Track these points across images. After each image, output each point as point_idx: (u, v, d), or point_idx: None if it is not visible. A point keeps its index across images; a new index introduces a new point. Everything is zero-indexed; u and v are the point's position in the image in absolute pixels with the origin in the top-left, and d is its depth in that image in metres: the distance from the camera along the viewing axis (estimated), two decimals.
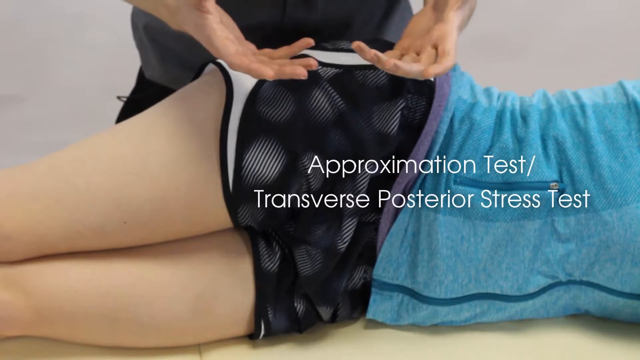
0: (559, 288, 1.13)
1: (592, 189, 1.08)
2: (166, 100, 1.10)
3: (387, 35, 1.33)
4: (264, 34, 1.23)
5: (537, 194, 1.08)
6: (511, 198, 1.08)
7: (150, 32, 1.36)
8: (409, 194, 1.10)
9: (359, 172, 1.06)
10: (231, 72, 1.08)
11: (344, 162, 1.06)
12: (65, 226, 1.03)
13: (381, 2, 1.30)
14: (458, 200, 1.08)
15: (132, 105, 1.45)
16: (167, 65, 1.36)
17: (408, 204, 1.09)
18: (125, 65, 1.71)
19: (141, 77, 1.50)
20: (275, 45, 1.24)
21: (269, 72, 0.93)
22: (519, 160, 1.09)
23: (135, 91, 1.51)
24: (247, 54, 0.98)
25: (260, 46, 1.24)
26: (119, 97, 1.49)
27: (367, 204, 1.09)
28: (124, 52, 1.77)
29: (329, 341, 1.13)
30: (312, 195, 1.06)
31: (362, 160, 1.06)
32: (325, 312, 1.11)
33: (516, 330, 1.16)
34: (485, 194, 1.08)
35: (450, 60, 0.97)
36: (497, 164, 1.09)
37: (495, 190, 1.08)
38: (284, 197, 1.06)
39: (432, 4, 1.08)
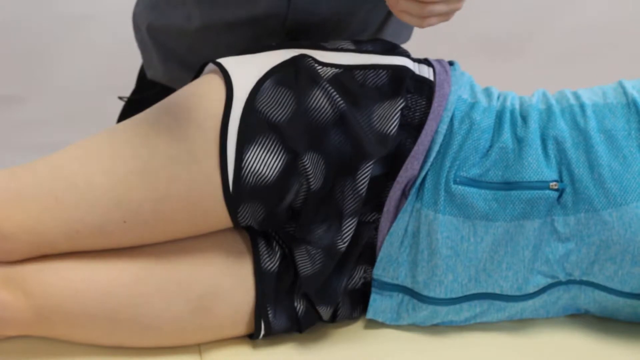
0: (558, 288, 1.13)
1: (591, 188, 1.08)
2: (166, 100, 1.10)
3: (386, 34, 1.33)
4: (269, 27, 1.23)
5: (537, 193, 1.08)
6: (511, 198, 1.08)
7: (152, 33, 1.36)
8: (409, 193, 1.10)
9: (359, 171, 1.06)
10: (231, 71, 1.08)
11: (344, 161, 1.06)
12: (65, 226, 1.03)
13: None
14: (458, 200, 1.08)
15: (133, 106, 1.45)
16: (169, 65, 1.37)
17: (408, 204, 1.10)
18: (125, 65, 1.72)
19: (141, 78, 1.50)
20: (280, 38, 1.24)
21: None
22: (518, 160, 1.09)
23: (135, 92, 1.51)
24: None
25: (264, 40, 1.25)
26: (120, 98, 1.49)
27: (367, 203, 1.09)
28: (124, 52, 1.78)
29: (329, 341, 1.13)
30: (312, 194, 1.06)
31: (362, 160, 1.06)
32: (325, 312, 1.11)
33: (516, 330, 1.16)
34: (485, 194, 1.08)
35: None
36: (496, 164, 1.09)
37: (495, 190, 1.08)
38: (284, 196, 1.06)
39: None
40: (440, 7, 1.03)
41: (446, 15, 1.05)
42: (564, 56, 2.42)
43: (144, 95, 1.45)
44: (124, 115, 1.49)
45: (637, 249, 1.07)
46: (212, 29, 1.28)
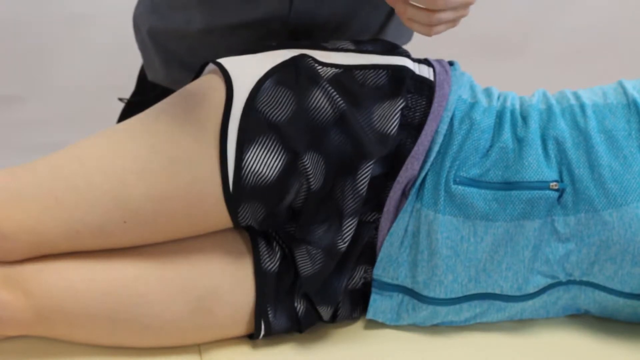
0: (558, 288, 1.13)
1: (592, 188, 1.08)
2: (166, 100, 1.10)
3: (387, 35, 1.33)
4: (270, 29, 1.23)
5: (537, 193, 1.08)
6: (511, 198, 1.08)
7: (153, 35, 1.36)
8: (409, 193, 1.10)
9: (359, 171, 1.06)
10: (231, 71, 1.08)
11: (344, 161, 1.06)
12: (65, 226, 1.03)
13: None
14: (458, 200, 1.08)
15: (133, 107, 1.45)
16: (170, 67, 1.37)
17: (408, 204, 1.09)
18: (125, 66, 1.71)
19: (141, 79, 1.50)
20: (281, 40, 1.24)
21: None
22: (518, 160, 1.09)
23: (135, 93, 1.51)
24: None
25: (266, 41, 1.25)
26: (120, 99, 1.49)
27: (367, 203, 1.09)
28: (124, 52, 1.77)
29: (329, 341, 1.13)
30: (312, 194, 1.06)
31: (363, 160, 1.06)
32: (325, 312, 1.11)
33: (516, 330, 1.16)
34: (485, 194, 1.08)
35: None
36: (496, 164, 1.09)
37: (495, 190, 1.08)
38: (284, 196, 1.06)
39: None
40: (447, 15, 1.03)
41: (453, 22, 1.05)
42: (564, 56, 2.42)
43: (145, 97, 1.45)
44: (124, 116, 1.49)
45: (637, 249, 1.07)
46: (214, 31, 1.28)
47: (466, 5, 1.03)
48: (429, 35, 1.05)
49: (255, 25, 1.24)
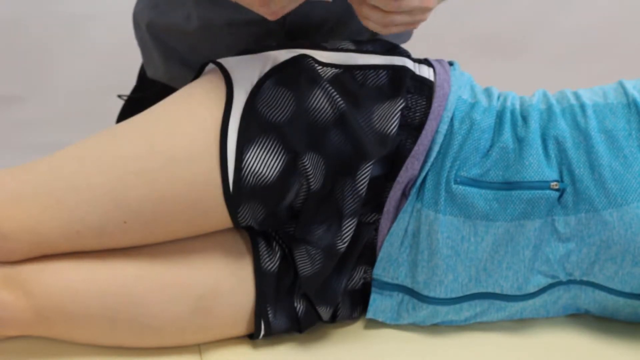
0: (559, 288, 1.13)
1: (592, 188, 1.08)
2: (166, 100, 1.10)
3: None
4: (267, 29, 1.23)
5: (538, 193, 1.08)
6: (512, 198, 1.08)
7: (153, 31, 1.36)
8: (409, 193, 1.10)
9: (359, 172, 1.06)
10: (231, 71, 1.08)
11: (344, 161, 1.06)
12: (66, 226, 1.03)
13: None
14: (458, 200, 1.08)
15: (133, 105, 1.45)
16: (170, 64, 1.37)
17: (408, 204, 1.09)
18: (125, 65, 1.71)
19: (142, 76, 1.50)
20: (278, 39, 1.24)
21: None
22: (519, 160, 1.09)
23: (136, 90, 1.51)
24: None
25: (263, 40, 1.25)
26: (119, 96, 1.49)
27: (367, 204, 1.09)
28: (125, 52, 1.77)
29: (329, 341, 1.13)
30: (312, 195, 1.06)
31: (362, 160, 1.06)
32: (325, 312, 1.11)
33: (516, 330, 1.16)
34: (486, 194, 1.08)
35: None
36: (497, 164, 1.09)
37: (496, 190, 1.08)
38: (284, 196, 1.06)
39: None
40: (402, 18, 1.03)
41: (412, 25, 1.05)
42: (564, 56, 2.42)
43: (144, 93, 1.45)
44: (124, 114, 1.49)
45: (638, 249, 1.07)
46: (212, 29, 1.28)
47: (424, 11, 1.04)
48: (383, 33, 1.06)
49: (253, 23, 1.24)
